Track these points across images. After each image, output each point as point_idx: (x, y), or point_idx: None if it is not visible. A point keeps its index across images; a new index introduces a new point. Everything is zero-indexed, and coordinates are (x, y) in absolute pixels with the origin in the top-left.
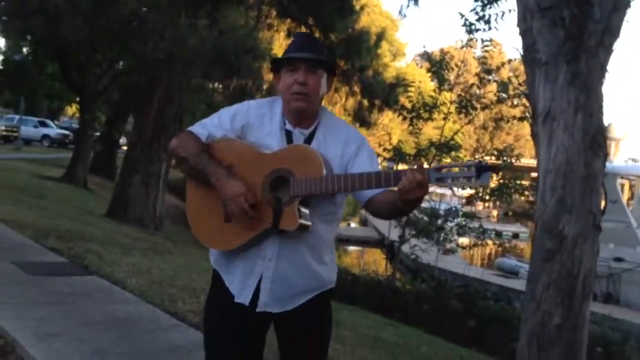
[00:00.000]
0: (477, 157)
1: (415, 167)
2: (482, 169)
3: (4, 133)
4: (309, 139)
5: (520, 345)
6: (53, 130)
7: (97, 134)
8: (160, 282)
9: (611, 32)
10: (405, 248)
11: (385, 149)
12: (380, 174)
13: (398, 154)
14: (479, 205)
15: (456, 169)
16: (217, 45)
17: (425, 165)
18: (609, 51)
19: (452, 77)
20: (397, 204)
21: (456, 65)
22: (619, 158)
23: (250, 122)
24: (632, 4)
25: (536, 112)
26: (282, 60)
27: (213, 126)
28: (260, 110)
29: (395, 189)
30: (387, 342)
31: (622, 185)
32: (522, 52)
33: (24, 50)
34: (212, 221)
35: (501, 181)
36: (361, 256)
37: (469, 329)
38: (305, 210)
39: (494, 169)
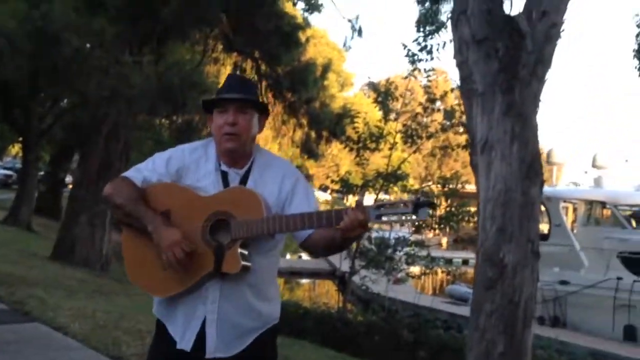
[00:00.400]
0: (424, 185)
1: (356, 206)
2: (419, 205)
3: None
4: (244, 179)
5: None
6: None
7: (42, 173)
8: (105, 326)
9: (543, 62)
10: (356, 279)
11: (332, 181)
12: (322, 214)
13: (345, 185)
14: (429, 233)
15: (394, 207)
16: (162, 81)
17: (366, 203)
18: (541, 81)
19: (398, 106)
20: (336, 240)
21: (401, 95)
22: (561, 182)
23: (186, 165)
24: (561, 34)
25: (474, 141)
26: (212, 101)
27: (148, 171)
28: (195, 154)
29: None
30: None
31: (566, 209)
32: (459, 83)
33: None
34: (151, 268)
35: (448, 209)
36: (313, 289)
37: (421, 358)
38: (245, 252)
39: (431, 204)
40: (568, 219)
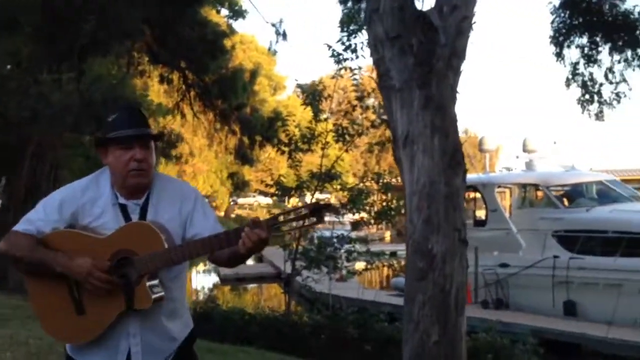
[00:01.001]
0: (364, 181)
1: (253, 223)
2: (316, 209)
3: None
4: (143, 209)
5: None
6: None
7: None
8: (39, 352)
9: (457, 54)
10: (300, 279)
11: (267, 185)
12: (220, 237)
13: (280, 189)
14: (372, 229)
15: (291, 215)
16: (85, 97)
17: (262, 217)
18: (457, 73)
19: (333, 105)
20: (239, 253)
21: (329, 95)
22: (496, 168)
23: (80, 206)
24: (474, 26)
25: (396, 136)
26: (115, 139)
27: (40, 221)
28: (88, 192)
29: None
30: None
31: (502, 194)
32: (377, 80)
33: None
34: (64, 316)
35: (385, 204)
36: (259, 293)
37: (367, 353)
38: (154, 282)
39: (327, 207)
40: (506, 204)
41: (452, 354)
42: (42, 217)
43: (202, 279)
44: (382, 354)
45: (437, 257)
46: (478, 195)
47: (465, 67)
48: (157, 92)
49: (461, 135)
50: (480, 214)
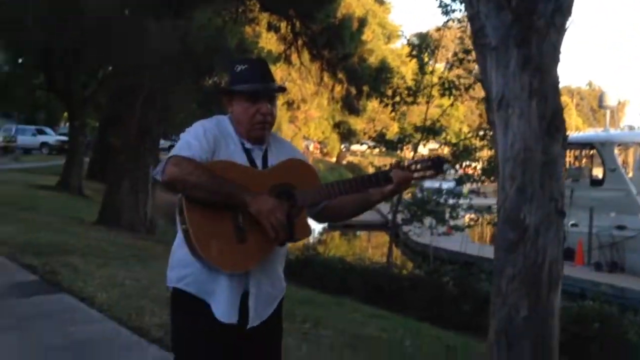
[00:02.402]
0: (469, 138)
1: (398, 166)
2: (439, 162)
3: (3, 144)
4: (264, 155)
5: (488, 342)
6: (51, 138)
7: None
8: (132, 295)
9: (562, 11)
10: (404, 230)
11: (370, 137)
12: (371, 177)
13: (382, 141)
14: (486, 182)
15: (418, 165)
16: (187, 46)
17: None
18: (561, 31)
19: (448, 57)
20: (371, 201)
21: (436, 47)
22: (617, 126)
23: (218, 137)
24: None
25: (490, 98)
26: (244, 91)
27: (196, 148)
28: (219, 128)
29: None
30: (370, 339)
31: (623, 153)
32: (472, 37)
33: (11, 61)
34: (224, 243)
35: (491, 160)
36: (367, 240)
37: (465, 313)
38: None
39: (447, 161)
40: (628, 164)
41: (542, 332)
42: (195, 146)
43: (312, 222)
44: (480, 315)
45: (529, 229)
46: (595, 152)
47: (592, 16)
48: (266, 40)
49: (584, 88)
50: (598, 172)
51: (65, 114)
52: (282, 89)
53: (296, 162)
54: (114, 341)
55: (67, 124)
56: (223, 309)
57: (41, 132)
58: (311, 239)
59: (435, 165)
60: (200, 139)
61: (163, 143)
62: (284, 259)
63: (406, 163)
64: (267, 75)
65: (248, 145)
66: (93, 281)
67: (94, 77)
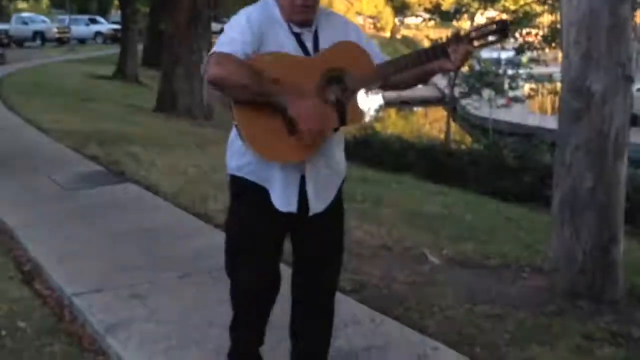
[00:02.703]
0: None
1: (457, 38)
2: (504, 26)
3: (57, 35)
4: (315, 37)
5: (552, 213)
6: (104, 27)
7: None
8: (196, 181)
9: None
10: (468, 104)
11: (425, 9)
12: (427, 52)
13: (438, 12)
14: (547, 49)
15: (479, 32)
16: None
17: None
18: None
19: None
20: (429, 73)
21: None
22: None
23: (265, 28)
24: None
25: None
26: None
27: (239, 43)
28: (265, 15)
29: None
30: (430, 216)
31: None
32: None
33: None
34: (276, 137)
35: (553, 26)
36: (424, 116)
37: (526, 185)
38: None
39: (508, 23)
40: None
41: (607, 202)
42: (239, 40)
43: (367, 100)
44: (542, 186)
45: (595, 96)
46: None
47: None
48: None
49: None
50: None
51: (116, 2)
52: None
53: (347, 45)
54: (179, 227)
55: (119, 12)
56: (281, 197)
57: (94, 22)
58: (367, 118)
59: (500, 28)
60: (244, 31)
61: (215, 26)
62: (342, 141)
63: (466, 31)
64: None
65: (296, 29)
66: (156, 169)
67: None
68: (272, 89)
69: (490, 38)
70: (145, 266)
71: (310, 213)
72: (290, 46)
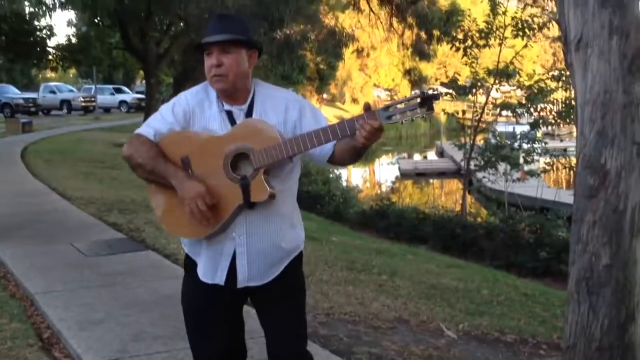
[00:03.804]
0: (551, 72)
1: (365, 111)
2: (426, 99)
3: (83, 104)
4: (248, 114)
5: (568, 291)
6: (129, 96)
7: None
8: None
9: None
10: (484, 178)
11: (442, 83)
12: (334, 128)
13: (454, 86)
14: (562, 124)
15: (402, 105)
16: None
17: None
18: None
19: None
20: (357, 149)
21: None
22: None
23: (191, 109)
24: None
25: (568, 40)
26: (198, 46)
27: (157, 122)
28: (197, 98)
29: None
30: (446, 289)
31: None
32: None
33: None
34: (183, 215)
35: (567, 101)
36: (440, 188)
37: (542, 260)
38: (269, 179)
39: (436, 96)
40: None
41: (624, 280)
42: (159, 119)
43: (384, 171)
44: (558, 261)
45: (610, 173)
46: None
47: None
48: None
49: None
50: None
51: (141, 72)
52: (240, 41)
53: (253, 123)
54: None
55: (143, 82)
56: (204, 269)
57: (119, 91)
58: (384, 189)
59: (425, 101)
60: (164, 112)
61: None
62: (287, 218)
63: (384, 105)
64: (223, 28)
65: (227, 107)
66: (175, 238)
67: (166, 33)
68: (164, 169)
69: (417, 111)
70: (163, 335)
71: (239, 286)
72: (216, 124)
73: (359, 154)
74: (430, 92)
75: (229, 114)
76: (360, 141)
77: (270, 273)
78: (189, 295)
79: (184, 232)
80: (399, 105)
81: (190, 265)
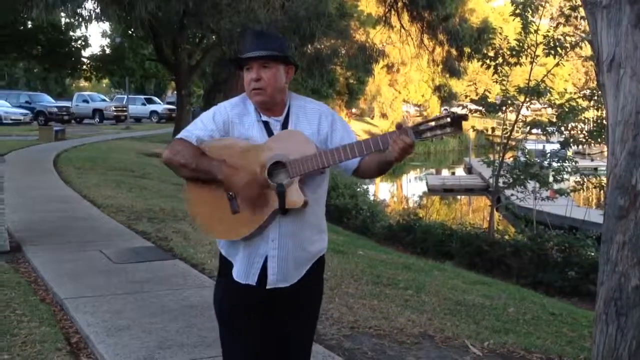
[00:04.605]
0: (583, 91)
1: (399, 129)
2: (456, 119)
3: (115, 113)
4: (284, 125)
5: (597, 312)
6: (160, 106)
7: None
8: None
9: None
10: (512, 195)
11: (472, 100)
12: (368, 142)
13: (484, 104)
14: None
15: (433, 123)
16: (289, 13)
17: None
18: None
19: (552, 13)
20: (387, 163)
21: (541, 4)
22: None
23: (230, 119)
24: None
25: (600, 60)
26: (238, 60)
27: (198, 129)
28: (236, 109)
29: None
30: (471, 306)
31: None
32: None
33: (123, 34)
34: (220, 215)
35: (599, 121)
36: (468, 205)
37: (570, 279)
38: (303, 187)
39: (465, 117)
40: None
41: None
42: (200, 127)
43: (412, 187)
44: (587, 281)
45: None
46: None
47: None
48: (366, 3)
49: None
50: None
51: (173, 83)
52: (278, 57)
53: (290, 134)
54: None
55: (174, 93)
56: (238, 270)
57: (150, 101)
58: (411, 204)
59: (454, 121)
60: (205, 120)
61: None
62: (316, 225)
63: (414, 124)
64: (260, 44)
65: (264, 118)
66: (203, 248)
67: (199, 46)
68: (208, 165)
69: (446, 130)
70: (188, 343)
71: (268, 286)
72: (255, 133)
73: (385, 169)
74: (460, 112)
75: (266, 125)
76: (393, 155)
77: (297, 274)
78: (221, 297)
79: (226, 233)
80: (429, 124)
81: (225, 266)
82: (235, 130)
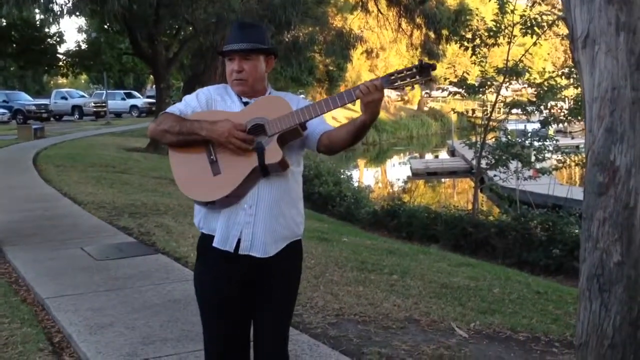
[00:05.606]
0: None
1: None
2: (423, 67)
3: (95, 109)
4: None
5: (580, 286)
6: (140, 101)
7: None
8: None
9: None
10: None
11: (450, 82)
12: (342, 94)
13: (464, 86)
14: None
15: (402, 74)
16: (264, 2)
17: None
18: None
19: None
20: (358, 120)
21: None
22: None
23: (213, 97)
24: None
25: (574, 37)
26: (221, 53)
27: (181, 105)
28: (219, 91)
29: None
30: (457, 288)
31: None
32: None
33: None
34: (202, 178)
35: (578, 99)
36: (451, 187)
37: (554, 257)
38: (284, 151)
39: (433, 66)
40: None
41: (635, 277)
42: (183, 104)
43: (395, 171)
44: (571, 258)
45: (620, 170)
46: None
47: None
48: None
49: None
50: None
51: (151, 77)
52: (260, 50)
53: (269, 98)
54: None
55: (154, 86)
56: (218, 238)
57: (130, 96)
58: (395, 189)
59: (423, 70)
60: (188, 99)
61: None
62: (292, 201)
63: (388, 73)
64: (243, 36)
65: (245, 99)
66: (186, 241)
67: (175, 38)
68: (190, 126)
69: (415, 78)
70: (172, 338)
71: (241, 252)
72: (236, 109)
73: (357, 135)
74: (428, 62)
75: (246, 104)
76: (358, 95)
77: (271, 248)
78: (200, 271)
79: (207, 194)
80: (399, 75)
81: (206, 241)
82: (218, 107)
